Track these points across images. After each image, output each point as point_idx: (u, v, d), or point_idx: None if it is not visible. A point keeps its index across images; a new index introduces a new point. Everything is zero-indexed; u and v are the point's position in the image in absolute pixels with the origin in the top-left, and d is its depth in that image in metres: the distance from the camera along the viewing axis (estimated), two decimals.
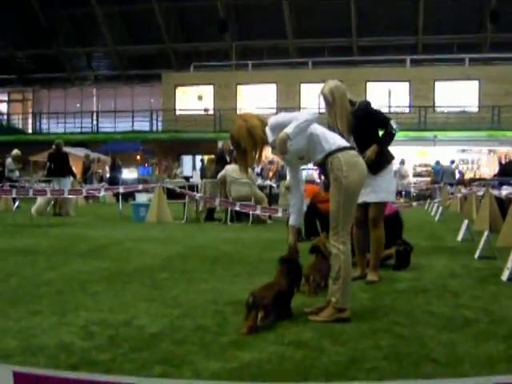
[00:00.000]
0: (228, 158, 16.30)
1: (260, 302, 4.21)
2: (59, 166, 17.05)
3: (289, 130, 4.53)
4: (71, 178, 18.07)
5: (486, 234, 8.39)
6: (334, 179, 4.64)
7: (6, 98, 47.74)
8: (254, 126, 4.73)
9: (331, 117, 6.02)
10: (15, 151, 21.24)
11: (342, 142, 4.79)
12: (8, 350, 3.70)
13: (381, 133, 6.70)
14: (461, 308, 5.04)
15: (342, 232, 4.64)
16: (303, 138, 4.65)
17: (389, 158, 6.66)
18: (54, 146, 17.62)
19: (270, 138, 4.71)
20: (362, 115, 6.35)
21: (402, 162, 30.44)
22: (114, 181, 26.03)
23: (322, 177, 6.20)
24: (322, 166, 4.75)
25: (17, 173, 21.27)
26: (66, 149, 19.60)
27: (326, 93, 6.10)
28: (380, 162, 6.41)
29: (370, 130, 6.51)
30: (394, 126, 6.55)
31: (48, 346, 3.82)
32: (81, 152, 30.97)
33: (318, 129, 4.74)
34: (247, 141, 4.72)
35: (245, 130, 4.73)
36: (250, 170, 14.76)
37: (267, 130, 4.74)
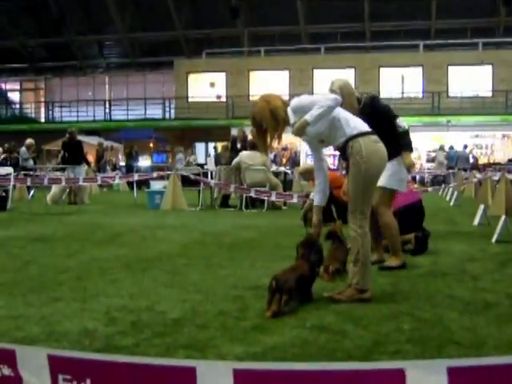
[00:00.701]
0: (239, 146, 16.36)
1: (283, 286, 4.22)
2: (73, 155, 17.10)
3: (309, 117, 4.53)
4: (85, 166, 18.12)
5: (503, 218, 8.37)
6: (354, 164, 4.65)
7: (19, 87, 47.89)
8: (276, 106, 4.73)
9: None
10: (29, 140, 21.32)
11: (364, 127, 4.77)
12: (32, 337, 3.72)
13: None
14: (481, 291, 5.03)
15: (360, 215, 4.68)
16: (325, 121, 4.64)
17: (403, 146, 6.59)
18: (67, 135, 17.67)
19: (292, 119, 4.71)
20: (370, 112, 6.23)
21: (441, 148, 30.15)
22: (130, 169, 26.13)
23: (342, 162, 6.11)
24: (343, 150, 4.75)
25: (31, 161, 21.35)
26: (80, 137, 19.64)
27: (334, 90, 6.11)
28: (394, 148, 6.25)
29: (382, 125, 6.35)
30: (402, 125, 6.38)
31: (71, 331, 3.84)
32: (94, 140, 31.05)
33: (341, 113, 4.73)
34: (270, 121, 4.73)
35: (267, 111, 4.73)
36: (264, 156, 14.86)
37: (289, 111, 4.73)
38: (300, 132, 4.64)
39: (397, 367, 1.41)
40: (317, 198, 5.03)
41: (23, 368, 1.85)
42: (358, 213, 4.68)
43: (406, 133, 6.38)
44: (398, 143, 6.38)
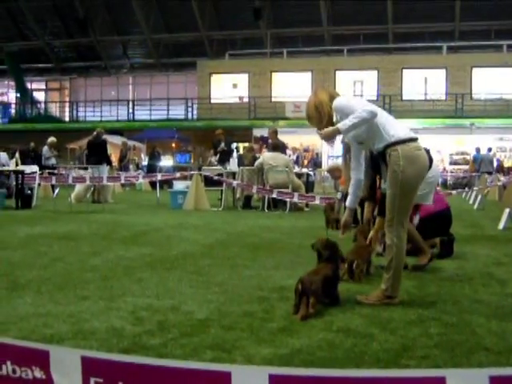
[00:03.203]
0: (222, 145, 17.50)
1: (309, 288, 4.21)
2: (97, 154, 17.19)
3: (342, 126, 4.50)
4: (108, 166, 18.19)
5: None
6: (391, 173, 4.60)
7: (44, 87, 48.34)
8: (321, 100, 4.74)
9: None
10: (51, 138, 21.48)
11: (403, 134, 4.66)
12: (61, 334, 3.75)
13: None
14: (509, 296, 4.99)
15: (396, 225, 4.63)
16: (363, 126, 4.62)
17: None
18: (94, 133, 17.77)
19: (334, 117, 4.70)
20: None
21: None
22: (152, 168, 26.22)
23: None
24: (382, 157, 4.70)
25: (53, 160, 21.47)
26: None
27: None
28: None
29: None
30: None
31: (99, 330, 3.87)
32: (117, 140, 31.18)
33: (381, 118, 4.64)
34: (314, 115, 4.77)
35: (313, 105, 4.77)
36: (287, 157, 14.87)
37: (333, 108, 4.73)
38: (328, 138, 4.62)
39: (437, 375, 1.40)
40: (349, 199, 5.01)
41: (55, 370, 1.85)
42: (395, 222, 4.63)
43: None
44: None
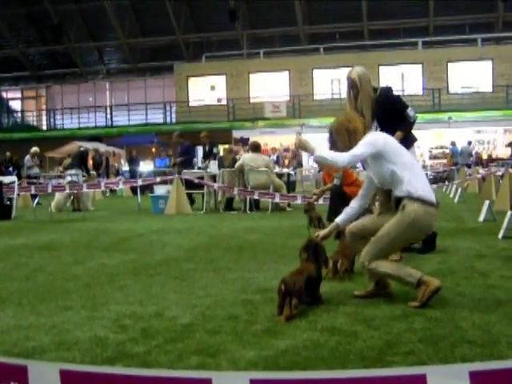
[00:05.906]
0: (207, 148, 17.41)
1: (292, 289, 4.21)
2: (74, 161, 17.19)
3: (319, 153, 4.56)
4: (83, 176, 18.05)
5: (509, 213, 8.34)
6: (398, 219, 4.60)
7: (20, 96, 47.95)
8: (356, 128, 4.73)
9: (356, 101, 6.17)
10: (34, 148, 21.38)
11: (429, 194, 4.64)
12: (43, 346, 3.71)
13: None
14: (491, 288, 5.01)
15: (376, 259, 4.70)
16: (385, 167, 4.64)
17: (412, 140, 6.71)
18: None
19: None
20: (384, 102, 6.45)
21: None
22: (134, 174, 26.17)
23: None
24: (397, 201, 4.69)
25: (35, 169, 21.38)
26: (81, 143, 19.70)
27: (353, 77, 6.30)
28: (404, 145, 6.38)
29: (393, 116, 6.53)
30: (411, 114, 6.66)
31: (82, 340, 3.83)
32: (95, 146, 30.99)
33: (409, 166, 4.67)
34: (343, 139, 4.73)
35: (344, 129, 4.73)
36: (267, 158, 14.84)
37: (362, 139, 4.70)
38: (301, 148, 4.87)
39: (418, 373, 1.40)
40: (341, 217, 5.01)
41: None
42: (378, 254, 4.68)
43: (411, 124, 6.75)
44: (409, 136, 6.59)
